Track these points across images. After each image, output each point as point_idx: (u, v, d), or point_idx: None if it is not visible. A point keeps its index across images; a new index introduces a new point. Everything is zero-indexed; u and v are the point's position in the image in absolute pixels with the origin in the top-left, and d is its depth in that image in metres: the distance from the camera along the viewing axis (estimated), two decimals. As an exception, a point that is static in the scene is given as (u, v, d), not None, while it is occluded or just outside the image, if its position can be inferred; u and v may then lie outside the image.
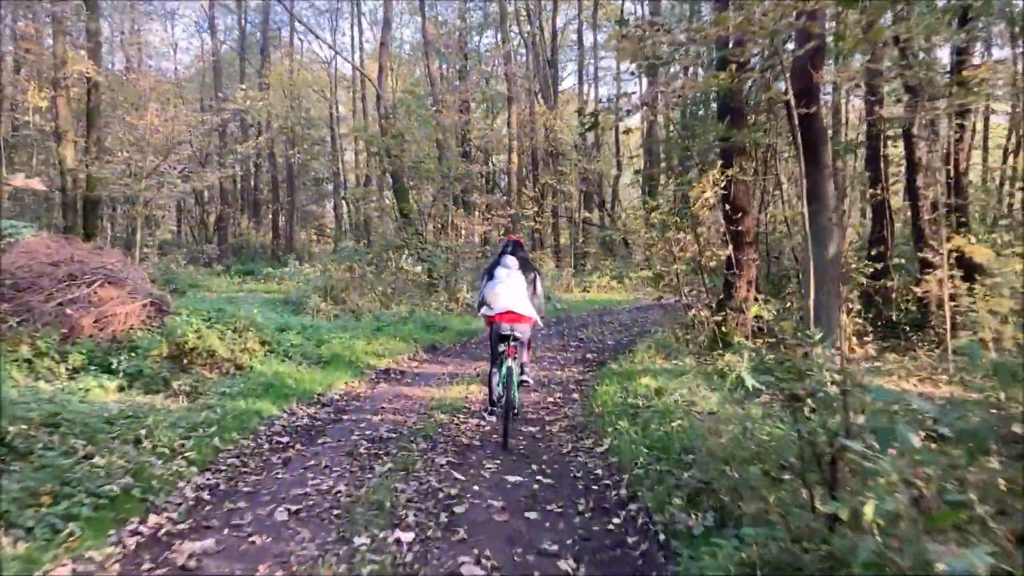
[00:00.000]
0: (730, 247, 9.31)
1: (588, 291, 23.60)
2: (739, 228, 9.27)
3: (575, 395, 8.01)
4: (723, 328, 9.09)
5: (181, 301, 12.12)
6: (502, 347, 6.03)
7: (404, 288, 15.25)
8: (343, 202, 33.90)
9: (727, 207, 9.10)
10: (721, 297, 9.25)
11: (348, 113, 37.20)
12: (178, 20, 37.38)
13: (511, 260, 6.37)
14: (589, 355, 10.92)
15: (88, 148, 17.33)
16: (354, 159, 35.63)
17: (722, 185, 8.86)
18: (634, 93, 22.19)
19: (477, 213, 20.01)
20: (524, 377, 6.48)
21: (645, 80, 30.61)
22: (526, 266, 6.47)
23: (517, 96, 25.61)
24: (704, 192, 8.77)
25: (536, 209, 24.51)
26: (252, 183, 35.15)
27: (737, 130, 9.08)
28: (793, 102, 6.35)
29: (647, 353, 9.38)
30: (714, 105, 11.75)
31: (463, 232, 18.37)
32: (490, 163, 27.69)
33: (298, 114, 31.04)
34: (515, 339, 6.02)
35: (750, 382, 4.00)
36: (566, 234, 29.59)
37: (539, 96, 25.80)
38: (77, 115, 18.09)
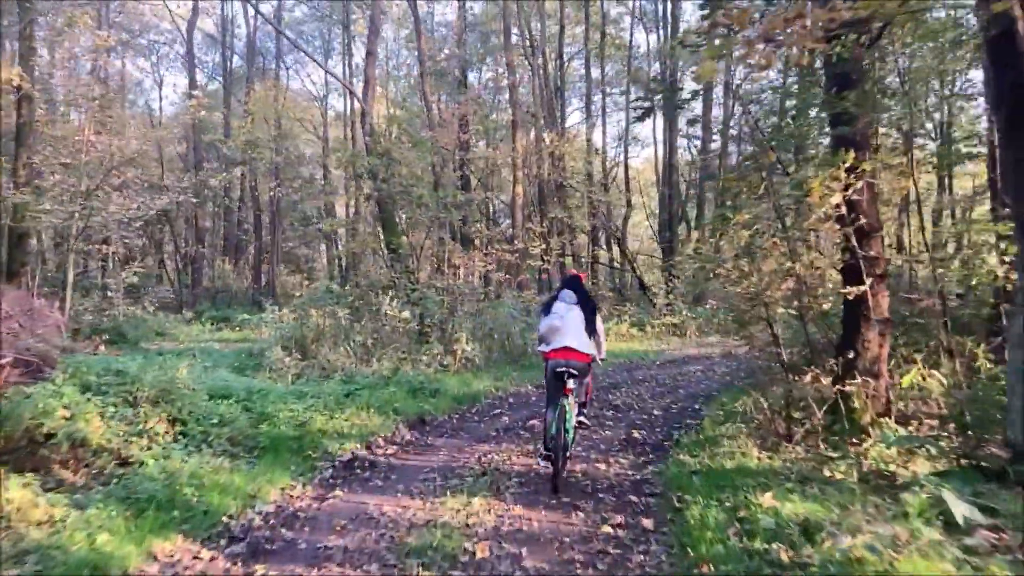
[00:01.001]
0: (851, 282, 6.34)
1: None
2: (868, 252, 6.34)
3: (645, 520, 4.97)
4: (850, 402, 6.11)
5: (88, 360, 9.20)
6: (559, 385, 5.70)
7: (390, 338, 12.30)
8: (335, 242, 31.25)
9: (852, 220, 6.14)
10: (848, 356, 6.26)
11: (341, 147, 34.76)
12: (161, 57, 35.01)
13: (569, 295, 6.10)
14: (637, 433, 7.91)
15: (16, 170, 14.49)
16: (345, 197, 33.01)
17: (845, 188, 5.95)
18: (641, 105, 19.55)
19: (477, 249, 17.12)
20: (581, 418, 6.29)
21: (661, 117, 28.28)
22: (585, 301, 6.13)
23: (522, 122, 23.00)
24: (826, 196, 5.84)
25: (543, 247, 21.67)
26: (235, 221, 32.49)
27: (858, 106, 6.23)
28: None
29: (734, 440, 6.39)
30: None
31: (461, 271, 15.47)
32: (491, 194, 24.96)
33: (282, 144, 28.42)
34: (571, 376, 5.68)
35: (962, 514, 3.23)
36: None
37: (545, 123, 23.20)
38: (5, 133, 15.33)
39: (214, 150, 29.99)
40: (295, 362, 11.10)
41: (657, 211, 28.44)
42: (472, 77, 29.60)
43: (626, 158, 31.90)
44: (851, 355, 6.30)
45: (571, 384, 5.67)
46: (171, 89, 57.25)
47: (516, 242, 19.96)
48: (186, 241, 30.05)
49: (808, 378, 6.41)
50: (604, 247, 27.96)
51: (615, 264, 27.51)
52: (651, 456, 6.81)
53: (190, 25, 31.45)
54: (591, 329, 6.00)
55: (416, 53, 23.24)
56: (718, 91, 26.85)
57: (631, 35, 31.59)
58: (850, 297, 6.23)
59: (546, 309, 6.20)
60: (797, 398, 6.47)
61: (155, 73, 41.75)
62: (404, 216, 15.75)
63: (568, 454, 5.93)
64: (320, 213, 30.64)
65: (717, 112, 26.86)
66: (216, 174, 24.15)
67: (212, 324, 22.86)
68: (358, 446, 7.09)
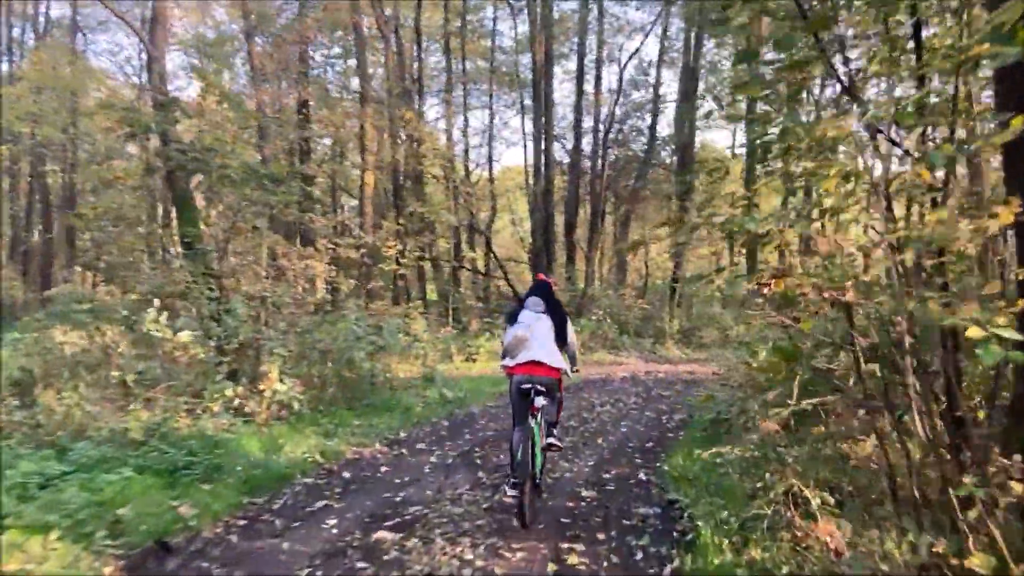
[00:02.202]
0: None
1: (474, 360, 17.08)
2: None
3: None
4: None
5: None
6: (524, 404, 5.09)
7: (168, 373, 8.03)
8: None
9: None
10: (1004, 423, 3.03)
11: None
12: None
13: (537, 302, 5.47)
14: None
15: None
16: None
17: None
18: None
19: (319, 251, 13.00)
20: (552, 440, 5.44)
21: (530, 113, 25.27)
22: (554, 310, 5.51)
23: (372, 99, 19.07)
24: None
25: (399, 247, 17.84)
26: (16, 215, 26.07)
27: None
28: None
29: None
30: None
31: (292, 275, 11.32)
32: (335, 175, 20.72)
33: (63, 117, 22.69)
34: (539, 393, 5.03)
35: None
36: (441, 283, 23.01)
37: (401, 100, 19.38)
38: None
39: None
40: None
41: (528, 216, 25.44)
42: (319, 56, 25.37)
43: (491, 155, 28.76)
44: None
45: (539, 402, 5.08)
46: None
47: (365, 239, 15.97)
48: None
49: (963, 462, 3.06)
50: (471, 249, 24.49)
51: (481, 271, 24.08)
52: None
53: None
54: (561, 340, 5.45)
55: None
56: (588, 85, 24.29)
57: (494, 24, 28.64)
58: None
59: (511, 318, 5.58)
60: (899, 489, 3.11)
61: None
62: (212, 197, 11.39)
63: (538, 481, 5.36)
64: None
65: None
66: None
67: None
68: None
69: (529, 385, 5.06)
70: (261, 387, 7.52)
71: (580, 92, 23.33)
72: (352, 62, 23.37)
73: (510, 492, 4.93)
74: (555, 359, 5.25)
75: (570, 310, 19.48)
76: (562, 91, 31.43)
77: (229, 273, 10.53)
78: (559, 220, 25.25)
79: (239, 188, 10.06)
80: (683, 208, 20.96)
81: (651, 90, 25.84)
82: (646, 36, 28.10)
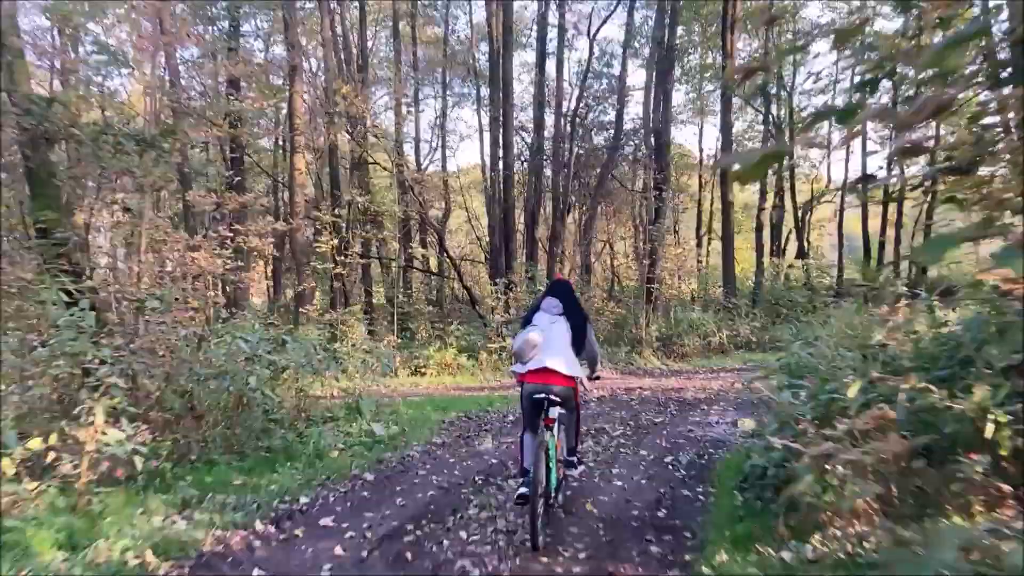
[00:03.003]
0: None
1: (423, 374, 14.61)
2: None
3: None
4: None
5: None
6: (536, 414, 4.61)
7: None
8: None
9: None
10: None
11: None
12: None
13: (554, 303, 5.02)
14: None
15: None
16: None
17: None
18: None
19: (220, 232, 10.36)
20: (571, 457, 5.01)
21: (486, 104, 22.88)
22: (572, 312, 5.01)
23: (304, 69, 16.46)
24: None
25: (335, 242, 15.29)
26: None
27: None
28: None
29: None
30: None
31: (180, 271, 8.70)
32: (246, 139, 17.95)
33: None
34: (552, 404, 4.53)
35: None
36: (386, 285, 20.39)
37: (339, 73, 16.81)
38: None
39: None
40: None
41: (486, 213, 23.09)
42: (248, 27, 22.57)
43: (443, 148, 26.37)
44: None
45: (554, 413, 4.57)
46: None
47: (278, 225, 13.36)
48: None
49: None
50: (422, 247, 21.98)
51: (433, 271, 21.57)
52: None
53: None
54: (579, 345, 4.95)
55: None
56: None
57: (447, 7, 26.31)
58: None
59: (525, 321, 5.07)
60: None
61: None
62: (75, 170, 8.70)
63: (552, 501, 4.75)
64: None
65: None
66: None
67: None
68: None
69: (542, 395, 4.58)
70: (82, 437, 4.95)
71: (541, 74, 21.05)
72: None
73: (520, 491, 4.49)
74: (570, 366, 4.75)
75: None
76: (521, 83, 28.86)
77: (88, 267, 7.88)
78: (521, 218, 22.99)
79: (94, 153, 7.43)
80: (659, 198, 18.79)
81: (616, 80, 23.79)
82: (612, 11, 25.98)
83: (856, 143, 30.73)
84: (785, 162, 30.61)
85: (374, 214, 16.83)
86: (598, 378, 5.51)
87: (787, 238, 29.81)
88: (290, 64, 15.82)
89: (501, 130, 18.35)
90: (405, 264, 19.72)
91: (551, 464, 4.57)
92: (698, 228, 31.95)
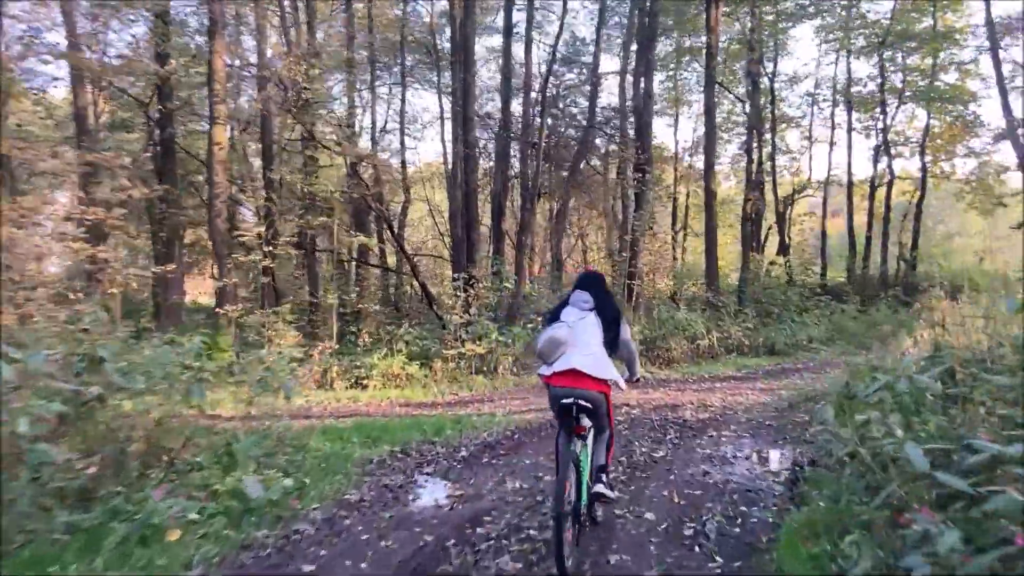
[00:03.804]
0: None
1: (364, 386, 12.26)
2: None
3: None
4: None
5: None
6: (568, 423, 4.13)
7: None
8: None
9: None
10: None
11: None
12: None
13: (583, 297, 4.48)
14: None
15: None
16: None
17: None
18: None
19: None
20: (600, 488, 4.22)
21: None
22: (605, 306, 4.48)
23: (226, 24, 13.99)
24: None
25: (261, 230, 12.87)
26: None
27: None
28: None
29: None
30: None
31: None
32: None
33: None
34: (582, 410, 4.06)
35: None
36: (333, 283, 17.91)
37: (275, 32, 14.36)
38: None
39: None
40: None
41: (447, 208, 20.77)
42: None
43: (403, 134, 24.00)
44: None
45: (585, 421, 4.20)
46: None
47: (214, 212, 10.93)
48: None
49: None
50: (379, 240, 19.57)
51: (388, 266, 19.17)
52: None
53: None
54: (612, 344, 4.38)
55: None
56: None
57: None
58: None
59: (551, 317, 4.53)
60: None
61: None
62: None
63: (583, 519, 4.21)
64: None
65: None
66: None
67: None
68: None
69: (570, 400, 4.04)
70: None
71: (508, 38, 18.80)
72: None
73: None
74: (601, 368, 4.16)
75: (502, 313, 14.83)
76: (489, 70, 26.60)
77: None
78: (489, 210, 20.74)
79: None
80: (642, 181, 16.63)
81: (589, 68, 21.69)
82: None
83: (840, 134, 29.08)
84: (765, 152, 28.89)
85: (312, 198, 14.37)
86: (638, 381, 4.90)
87: (767, 233, 27.98)
88: (211, 17, 13.29)
89: (462, 103, 16.02)
90: (355, 259, 17.28)
91: (583, 478, 4.15)
92: (673, 223, 29.95)
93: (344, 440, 7.56)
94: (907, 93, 26.95)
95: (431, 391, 11.94)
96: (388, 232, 17.40)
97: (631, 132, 18.95)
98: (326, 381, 12.38)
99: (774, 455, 6.89)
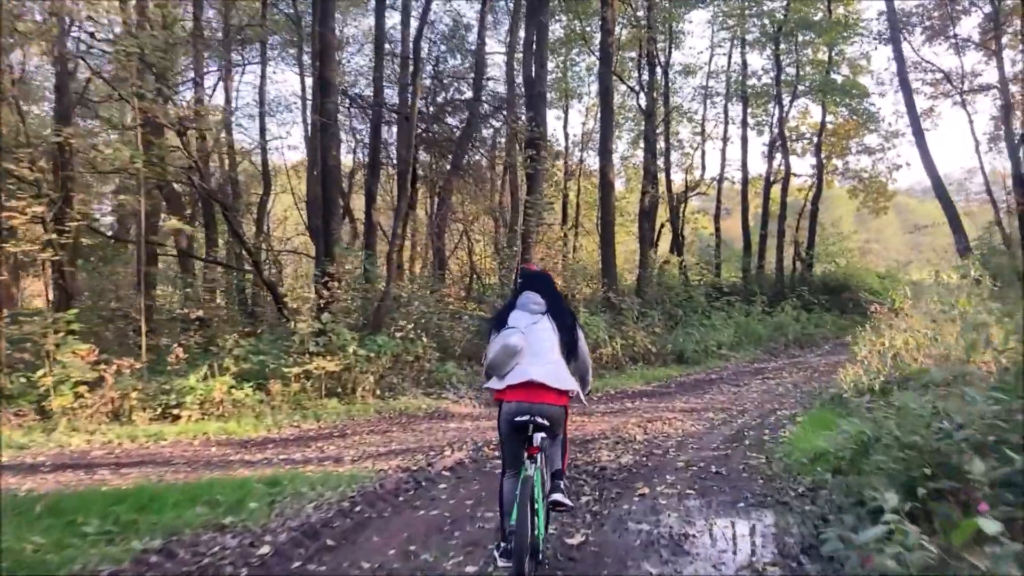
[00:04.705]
0: None
1: (176, 417, 9.20)
2: None
3: None
4: None
5: None
6: (519, 442, 3.69)
7: None
8: None
9: None
10: None
11: None
12: None
13: (534, 299, 4.01)
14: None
15: None
16: None
17: None
18: None
19: None
20: (557, 495, 3.81)
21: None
22: (559, 310, 4.06)
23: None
24: None
25: (40, 209, 9.60)
26: None
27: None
28: None
29: None
30: None
31: None
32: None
33: None
34: (538, 428, 3.63)
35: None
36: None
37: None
38: None
39: None
40: None
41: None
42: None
43: (262, 117, 20.73)
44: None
45: (539, 441, 3.66)
46: None
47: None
48: None
49: None
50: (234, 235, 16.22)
51: (229, 264, 15.95)
52: None
53: None
54: (570, 351, 4.00)
55: None
56: None
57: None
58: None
59: (498, 322, 4.01)
60: None
61: None
62: None
63: (539, 552, 3.75)
64: None
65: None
66: None
67: None
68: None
69: (526, 418, 3.62)
70: None
71: (380, 12, 16.11)
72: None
73: (500, 563, 3.57)
74: (562, 379, 3.79)
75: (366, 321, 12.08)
76: (364, 54, 23.74)
77: None
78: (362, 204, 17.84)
79: None
80: (536, 159, 14.31)
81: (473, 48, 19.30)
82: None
83: (733, 130, 28.11)
84: (659, 148, 27.47)
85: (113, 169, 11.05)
86: (588, 394, 4.47)
87: (659, 231, 26.55)
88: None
89: (319, 62, 13.13)
90: (188, 254, 13.98)
91: (538, 507, 3.62)
92: (564, 222, 27.97)
93: (76, 527, 4.67)
94: (802, 87, 26.29)
95: (264, 423, 9.06)
96: (224, 217, 14.16)
97: (522, 114, 16.57)
98: (124, 411, 9.25)
99: (743, 532, 4.61)
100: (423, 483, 5.90)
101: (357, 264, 13.81)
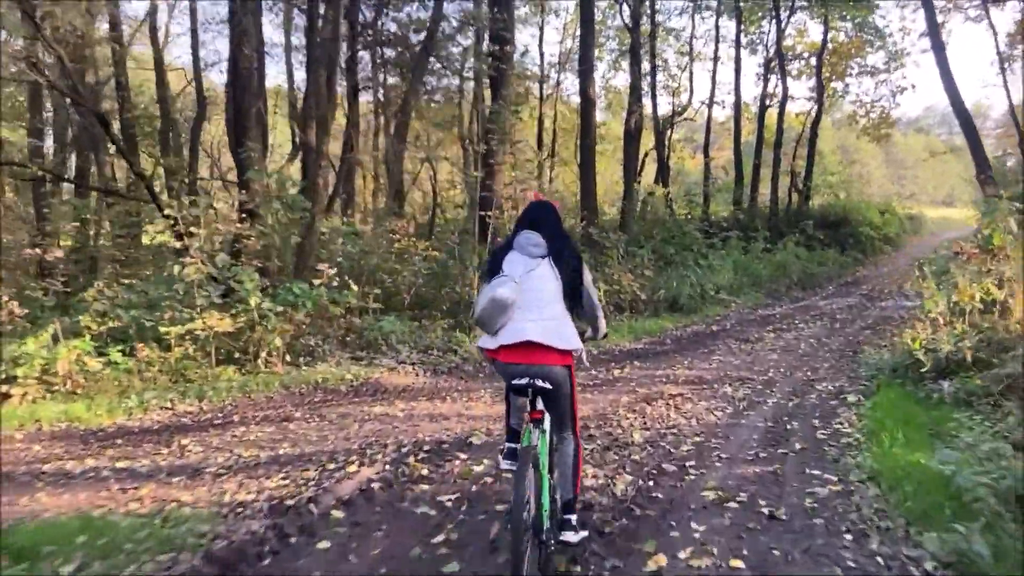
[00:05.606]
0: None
1: (5, 396, 6.73)
2: None
3: None
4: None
5: None
6: (521, 406, 3.22)
7: None
8: None
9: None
10: None
11: None
12: None
13: (533, 239, 3.21)
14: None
15: None
16: None
17: None
18: None
19: None
20: (569, 536, 3.08)
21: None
22: (561, 248, 3.24)
23: None
24: None
25: None
26: None
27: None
28: None
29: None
30: None
31: None
32: None
33: None
34: (538, 392, 3.04)
35: None
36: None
37: None
38: None
39: None
40: None
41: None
42: None
43: (195, 34, 17.75)
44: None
45: (542, 405, 3.12)
46: None
47: None
48: None
49: None
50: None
51: (96, 184, 13.27)
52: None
53: None
54: (574, 301, 3.26)
55: None
56: None
57: None
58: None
59: (491, 268, 3.27)
60: None
61: None
62: None
63: (545, 542, 3.01)
64: None
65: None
66: None
67: None
68: None
69: (526, 381, 3.02)
70: None
71: None
72: None
73: (504, 464, 3.35)
74: (564, 335, 3.08)
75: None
76: None
77: None
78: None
79: None
80: (502, 58, 11.64)
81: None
82: None
83: (724, 50, 25.38)
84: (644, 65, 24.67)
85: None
86: (605, 336, 3.64)
87: (643, 160, 24.02)
88: None
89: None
90: (51, 176, 11.21)
91: (544, 481, 3.00)
92: (539, 149, 25.24)
93: None
94: (801, 2, 23.53)
95: (127, 403, 6.63)
96: (106, 132, 11.31)
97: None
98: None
99: None
100: (293, 538, 3.56)
101: (283, 193, 11.20)
